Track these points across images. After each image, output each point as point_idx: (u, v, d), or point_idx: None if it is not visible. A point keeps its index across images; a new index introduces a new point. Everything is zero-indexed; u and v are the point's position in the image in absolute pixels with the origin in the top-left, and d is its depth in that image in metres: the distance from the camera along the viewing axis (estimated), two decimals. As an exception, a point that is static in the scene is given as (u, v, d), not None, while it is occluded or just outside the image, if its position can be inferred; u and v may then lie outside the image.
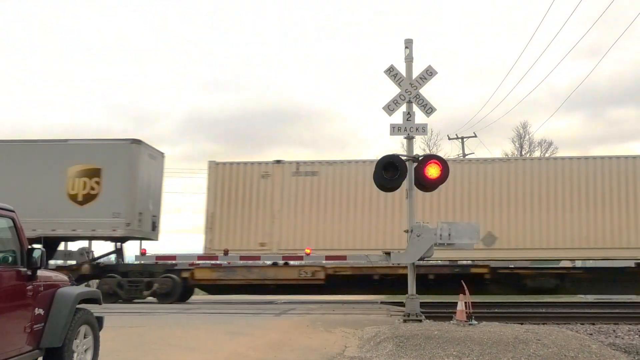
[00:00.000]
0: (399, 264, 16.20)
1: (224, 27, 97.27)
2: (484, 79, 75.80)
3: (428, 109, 12.40)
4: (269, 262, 19.33)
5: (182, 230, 63.90)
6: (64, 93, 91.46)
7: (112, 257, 20.24)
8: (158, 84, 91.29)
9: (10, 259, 5.95)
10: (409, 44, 12.64)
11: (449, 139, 41.38)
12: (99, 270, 19.22)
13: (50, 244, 18.11)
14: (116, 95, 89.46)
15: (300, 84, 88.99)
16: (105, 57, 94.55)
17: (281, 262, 18.90)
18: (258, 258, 18.98)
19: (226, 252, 18.63)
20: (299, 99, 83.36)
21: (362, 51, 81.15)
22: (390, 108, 12.46)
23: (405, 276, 12.63)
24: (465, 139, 40.98)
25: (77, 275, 18.27)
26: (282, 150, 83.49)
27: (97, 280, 19.06)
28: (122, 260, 19.98)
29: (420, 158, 12.22)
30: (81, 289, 6.94)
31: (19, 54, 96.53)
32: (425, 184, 12.25)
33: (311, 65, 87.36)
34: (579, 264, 20.94)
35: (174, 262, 19.02)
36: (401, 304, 14.38)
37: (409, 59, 12.58)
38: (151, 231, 19.87)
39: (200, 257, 19.04)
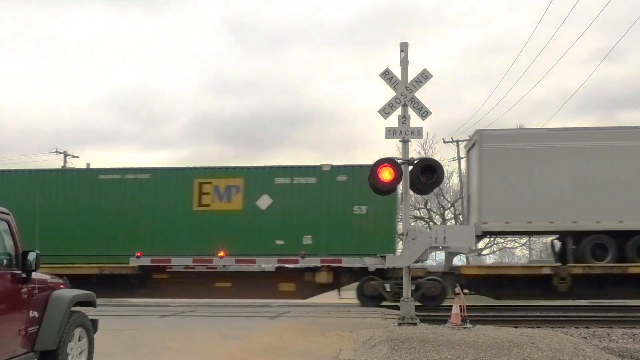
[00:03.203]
0: (394, 267, 16.23)
1: (231, 29, 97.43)
2: (483, 82, 76.08)
3: (423, 113, 12.44)
4: (265, 266, 19.24)
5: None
6: (72, 95, 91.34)
7: None
8: (166, 86, 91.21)
9: (4, 261, 5.93)
10: (404, 47, 12.67)
11: (444, 142, 41.47)
12: None
13: None
14: (124, 97, 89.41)
15: (309, 86, 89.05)
16: (113, 59, 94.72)
17: (276, 264, 18.85)
18: (253, 261, 18.93)
19: (222, 256, 18.58)
20: (308, 102, 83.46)
21: (369, 52, 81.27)
22: (385, 111, 12.48)
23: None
24: (460, 142, 41.07)
25: None
26: (288, 153, 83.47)
27: None
28: None
29: (415, 161, 12.25)
30: (76, 291, 6.92)
31: (24, 54, 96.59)
32: (421, 187, 12.29)
33: (318, 67, 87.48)
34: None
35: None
36: (396, 307, 14.39)
37: (404, 63, 12.60)
38: None
39: (195, 260, 18.98)
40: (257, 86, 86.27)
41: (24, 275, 6.02)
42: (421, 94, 14.99)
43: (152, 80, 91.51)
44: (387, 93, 12.54)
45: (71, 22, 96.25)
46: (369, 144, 73.27)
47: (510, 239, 48.67)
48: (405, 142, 12.51)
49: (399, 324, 11.72)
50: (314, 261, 18.45)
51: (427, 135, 42.16)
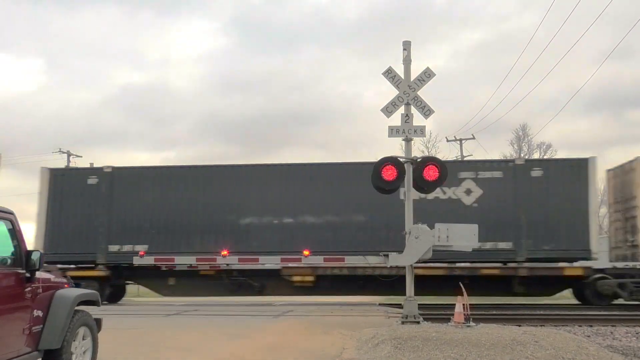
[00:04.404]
0: (397, 266, 16.22)
1: (242, 27, 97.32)
2: (495, 81, 75.68)
3: (426, 111, 12.42)
4: (269, 265, 19.28)
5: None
6: (81, 95, 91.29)
7: None
8: (175, 86, 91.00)
9: (8, 261, 5.95)
10: (407, 45, 12.65)
11: (448, 140, 41.49)
12: None
13: None
14: (132, 97, 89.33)
15: (318, 84, 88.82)
16: (122, 58, 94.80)
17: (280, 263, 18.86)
18: (257, 260, 18.94)
19: (224, 254, 18.58)
20: (316, 101, 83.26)
21: (379, 50, 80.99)
22: (388, 110, 12.47)
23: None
24: (463, 141, 41.05)
25: None
26: (295, 152, 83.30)
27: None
28: None
29: (418, 160, 12.25)
30: (80, 291, 6.94)
31: (34, 53, 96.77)
32: (424, 186, 12.28)
33: (328, 65, 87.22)
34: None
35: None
36: (399, 306, 14.40)
37: (407, 61, 12.58)
38: None
39: (198, 259, 18.99)
40: (266, 85, 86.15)
41: (27, 275, 6.04)
42: (429, 93, 14.99)
43: (161, 80, 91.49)
44: (394, 91, 12.52)
45: (82, 21, 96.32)
46: (376, 142, 73.22)
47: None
48: (408, 140, 12.50)
49: (402, 323, 11.72)
50: (317, 260, 18.45)
51: (431, 134, 42.25)
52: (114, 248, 19.37)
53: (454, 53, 78.22)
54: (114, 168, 20.16)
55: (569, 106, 69.65)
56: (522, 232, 18.43)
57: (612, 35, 62.91)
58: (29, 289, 6.04)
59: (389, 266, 17.24)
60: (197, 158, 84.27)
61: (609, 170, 21.40)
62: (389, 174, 11.93)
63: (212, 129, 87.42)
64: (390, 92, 12.53)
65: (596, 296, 18.46)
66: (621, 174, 20.35)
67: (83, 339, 6.79)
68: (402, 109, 12.46)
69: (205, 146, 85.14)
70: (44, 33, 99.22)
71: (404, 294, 12.32)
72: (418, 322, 11.69)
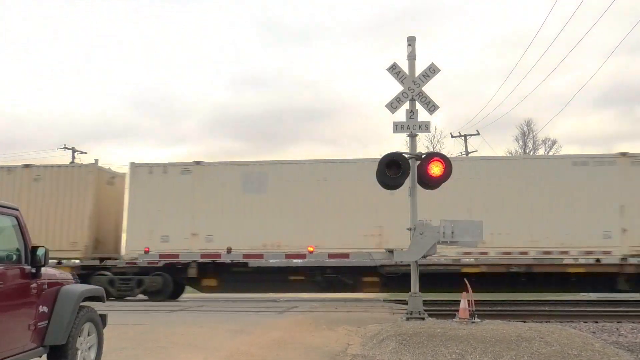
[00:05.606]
0: (402, 262, 16.20)
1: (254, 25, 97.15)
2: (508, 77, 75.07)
3: (431, 107, 12.39)
4: (272, 261, 19.34)
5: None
6: (92, 89, 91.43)
7: None
8: (186, 83, 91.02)
9: (14, 257, 5.97)
10: (411, 41, 12.61)
11: (452, 136, 41.38)
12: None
13: None
14: (144, 93, 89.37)
15: (328, 81, 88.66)
16: (134, 53, 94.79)
17: (284, 260, 18.92)
18: (261, 256, 18.99)
19: (229, 250, 18.64)
20: (326, 97, 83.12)
21: (391, 47, 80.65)
22: (393, 106, 12.45)
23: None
24: (468, 137, 40.95)
25: None
26: (303, 148, 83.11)
27: None
28: None
29: (423, 156, 12.21)
30: (85, 286, 6.96)
31: (44, 49, 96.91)
32: (428, 182, 12.25)
33: (339, 62, 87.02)
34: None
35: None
36: (404, 302, 14.39)
37: (411, 57, 12.55)
38: None
39: (203, 255, 19.06)
40: (276, 81, 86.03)
41: (33, 271, 6.05)
42: (438, 89, 15.01)
43: (172, 77, 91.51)
44: (400, 87, 12.48)
45: (94, 18, 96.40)
46: (384, 138, 73.10)
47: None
48: (412, 136, 12.48)
49: (407, 319, 11.71)
50: (322, 255, 18.48)
51: (436, 129, 42.15)
52: None
53: (466, 49, 77.96)
54: None
55: (579, 102, 69.18)
56: None
57: (622, 29, 62.48)
58: (35, 284, 6.06)
59: (394, 262, 17.33)
60: (207, 154, 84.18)
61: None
62: (393, 170, 11.91)
63: (222, 125, 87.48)
64: (398, 88, 12.50)
65: None
66: None
67: (88, 335, 6.81)
68: (406, 105, 12.43)
69: (216, 142, 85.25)
70: (55, 28, 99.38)
71: (409, 290, 12.31)
72: (423, 318, 11.69)
